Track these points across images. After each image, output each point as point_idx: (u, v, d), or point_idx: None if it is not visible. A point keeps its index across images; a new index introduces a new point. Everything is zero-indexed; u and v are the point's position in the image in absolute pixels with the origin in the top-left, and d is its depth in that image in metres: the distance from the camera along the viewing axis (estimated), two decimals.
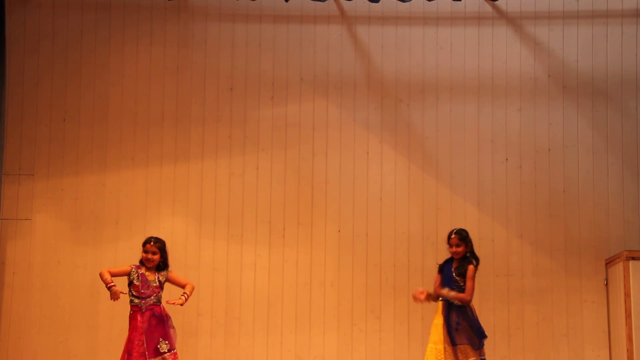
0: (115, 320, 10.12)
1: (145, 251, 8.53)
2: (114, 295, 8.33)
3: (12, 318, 10.33)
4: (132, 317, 8.42)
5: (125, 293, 8.43)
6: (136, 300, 8.40)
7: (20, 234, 10.45)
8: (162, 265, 8.61)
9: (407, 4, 10.70)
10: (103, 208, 10.51)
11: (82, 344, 10.28)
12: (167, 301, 8.53)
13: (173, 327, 8.55)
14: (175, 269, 9.81)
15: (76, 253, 10.43)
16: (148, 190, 10.55)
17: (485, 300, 10.26)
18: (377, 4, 10.69)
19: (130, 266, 8.56)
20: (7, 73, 10.49)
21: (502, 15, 10.79)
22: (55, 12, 10.82)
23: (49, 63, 10.75)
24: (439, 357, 8.30)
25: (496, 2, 10.76)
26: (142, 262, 8.58)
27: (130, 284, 8.47)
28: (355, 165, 10.63)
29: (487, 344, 10.05)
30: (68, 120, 10.67)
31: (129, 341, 8.35)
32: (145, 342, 8.31)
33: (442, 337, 8.34)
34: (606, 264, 10.33)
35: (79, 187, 10.54)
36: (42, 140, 10.61)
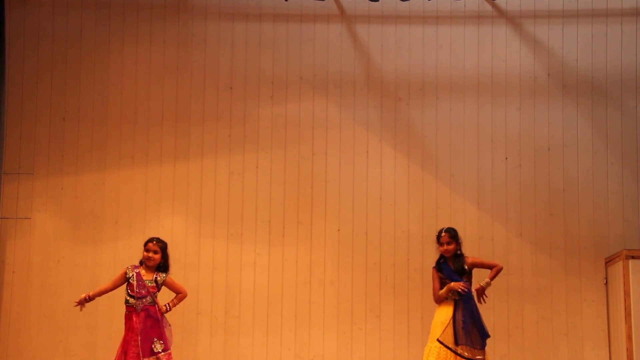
0: (114, 319, 10.12)
1: (146, 250, 8.51)
2: (80, 303, 8.39)
3: (11, 317, 10.34)
4: (127, 317, 8.38)
5: (85, 301, 8.43)
6: (132, 300, 8.37)
7: (19, 233, 10.45)
8: (163, 266, 8.57)
9: (406, 3, 10.71)
10: (103, 207, 10.52)
11: (82, 343, 10.28)
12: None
13: (169, 326, 8.52)
14: (175, 268, 9.82)
15: (76, 252, 10.44)
16: (147, 189, 10.56)
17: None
18: (377, 3, 10.69)
19: (125, 268, 8.53)
20: (6, 72, 10.50)
21: (501, 14, 10.80)
22: (55, 11, 10.83)
23: (48, 62, 10.76)
24: (444, 357, 8.27)
25: (495, 1, 10.76)
26: (142, 262, 8.56)
27: (127, 283, 8.45)
28: (355, 164, 10.63)
29: (487, 343, 10.08)
30: (68, 119, 10.68)
31: (125, 341, 8.34)
32: (140, 343, 8.29)
33: (447, 337, 8.30)
34: (606, 262, 10.33)
35: (78, 186, 10.55)
36: (41, 139, 10.62)
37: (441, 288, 8.39)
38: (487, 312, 10.18)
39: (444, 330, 8.30)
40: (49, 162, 10.59)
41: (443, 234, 8.50)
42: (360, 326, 10.36)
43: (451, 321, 8.32)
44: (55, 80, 10.74)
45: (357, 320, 10.37)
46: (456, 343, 8.29)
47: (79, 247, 10.45)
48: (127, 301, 8.38)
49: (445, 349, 8.26)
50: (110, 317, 10.21)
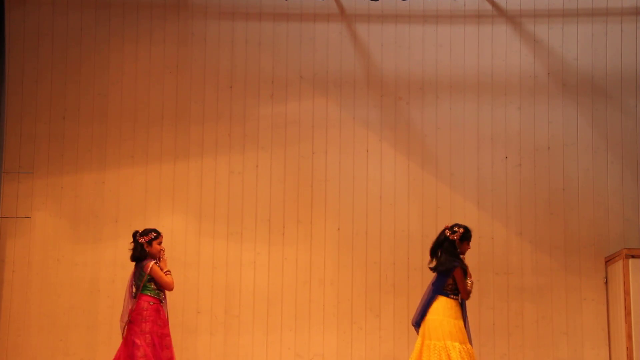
0: (114, 318, 10.12)
1: (159, 243, 8.68)
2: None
3: (11, 316, 10.34)
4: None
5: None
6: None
7: (19, 232, 10.45)
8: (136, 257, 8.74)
9: (406, 2, 10.71)
10: (103, 206, 10.51)
11: (82, 342, 10.28)
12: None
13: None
14: (175, 267, 9.85)
15: (76, 251, 10.43)
16: (147, 189, 10.56)
17: (485, 299, 10.26)
18: (377, 2, 10.69)
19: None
20: (6, 71, 10.50)
21: (501, 13, 10.79)
22: (55, 10, 10.83)
23: (48, 61, 10.75)
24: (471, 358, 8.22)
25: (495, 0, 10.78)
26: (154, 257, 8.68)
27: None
28: (355, 163, 10.63)
29: (487, 342, 10.11)
30: (68, 119, 10.67)
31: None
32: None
33: (466, 337, 8.26)
34: (606, 262, 10.33)
35: (78, 185, 10.55)
36: (41, 138, 10.62)
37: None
38: (487, 312, 10.20)
39: (463, 332, 8.25)
40: (49, 161, 10.59)
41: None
42: (360, 325, 10.36)
43: (464, 322, 8.31)
44: (55, 80, 10.74)
45: (357, 319, 10.37)
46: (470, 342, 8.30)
47: (79, 246, 10.45)
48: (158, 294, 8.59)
49: (472, 349, 8.22)
50: (110, 317, 10.21)
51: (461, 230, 8.51)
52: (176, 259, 10.24)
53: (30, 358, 10.28)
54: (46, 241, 10.46)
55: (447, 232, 8.55)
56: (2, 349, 10.27)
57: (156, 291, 8.52)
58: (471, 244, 8.75)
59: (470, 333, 8.42)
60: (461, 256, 8.52)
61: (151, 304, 8.45)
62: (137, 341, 8.35)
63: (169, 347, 8.43)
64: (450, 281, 8.40)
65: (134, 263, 8.75)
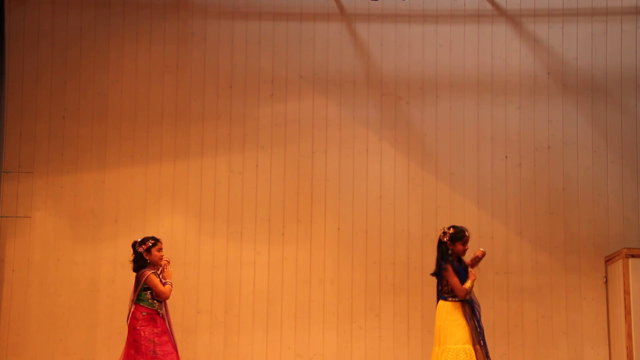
0: (114, 317, 10.13)
1: (159, 249, 8.51)
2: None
3: (11, 315, 10.34)
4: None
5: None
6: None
7: (19, 232, 10.45)
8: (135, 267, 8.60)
9: (406, 1, 10.71)
10: (102, 205, 10.51)
11: (81, 341, 10.28)
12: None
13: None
14: (175, 266, 9.82)
15: (75, 250, 10.43)
16: (147, 188, 10.56)
17: (485, 298, 10.25)
18: (377, 1, 10.70)
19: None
20: (6, 70, 10.50)
21: (501, 13, 10.80)
22: (55, 9, 10.83)
23: (48, 60, 10.75)
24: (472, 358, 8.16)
25: None
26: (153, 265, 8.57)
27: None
28: (355, 162, 10.63)
29: (487, 342, 10.05)
30: (67, 118, 10.67)
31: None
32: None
33: (469, 337, 8.17)
34: (606, 261, 10.33)
35: (78, 184, 10.55)
36: (41, 138, 10.62)
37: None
38: (487, 311, 10.19)
39: (469, 332, 8.18)
40: (48, 160, 10.59)
41: (467, 234, 8.34)
42: (360, 325, 10.36)
43: (472, 322, 8.23)
44: (55, 79, 10.74)
45: (357, 318, 10.37)
46: (480, 343, 8.20)
47: (79, 245, 10.45)
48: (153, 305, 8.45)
49: (477, 350, 8.15)
50: (110, 316, 10.21)
51: (450, 231, 8.33)
52: (176, 259, 10.23)
53: (30, 358, 10.28)
54: (46, 241, 10.46)
55: (440, 235, 8.46)
56: (2, 349, 10.27)
57: (150, 301, 8.43)
58: (471, 243, 8.67)
59: (477, 333, 8.32)
60: (467, 262, 8.42)
61: (144, 314, 8.40)
62: (132, 352, 8.33)
63: (167, 354, 8.35)
64: (445, 282, 8.36)
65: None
